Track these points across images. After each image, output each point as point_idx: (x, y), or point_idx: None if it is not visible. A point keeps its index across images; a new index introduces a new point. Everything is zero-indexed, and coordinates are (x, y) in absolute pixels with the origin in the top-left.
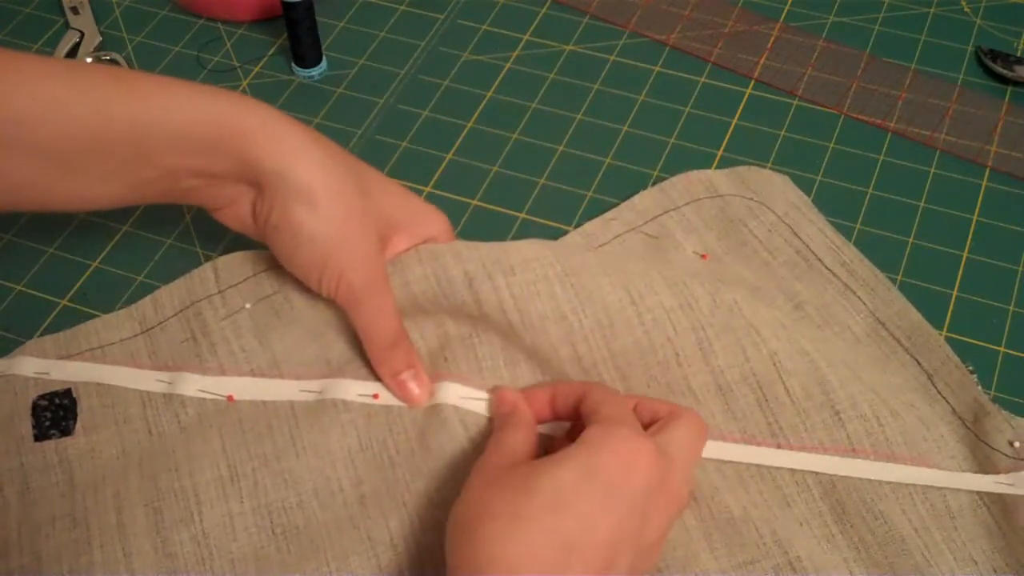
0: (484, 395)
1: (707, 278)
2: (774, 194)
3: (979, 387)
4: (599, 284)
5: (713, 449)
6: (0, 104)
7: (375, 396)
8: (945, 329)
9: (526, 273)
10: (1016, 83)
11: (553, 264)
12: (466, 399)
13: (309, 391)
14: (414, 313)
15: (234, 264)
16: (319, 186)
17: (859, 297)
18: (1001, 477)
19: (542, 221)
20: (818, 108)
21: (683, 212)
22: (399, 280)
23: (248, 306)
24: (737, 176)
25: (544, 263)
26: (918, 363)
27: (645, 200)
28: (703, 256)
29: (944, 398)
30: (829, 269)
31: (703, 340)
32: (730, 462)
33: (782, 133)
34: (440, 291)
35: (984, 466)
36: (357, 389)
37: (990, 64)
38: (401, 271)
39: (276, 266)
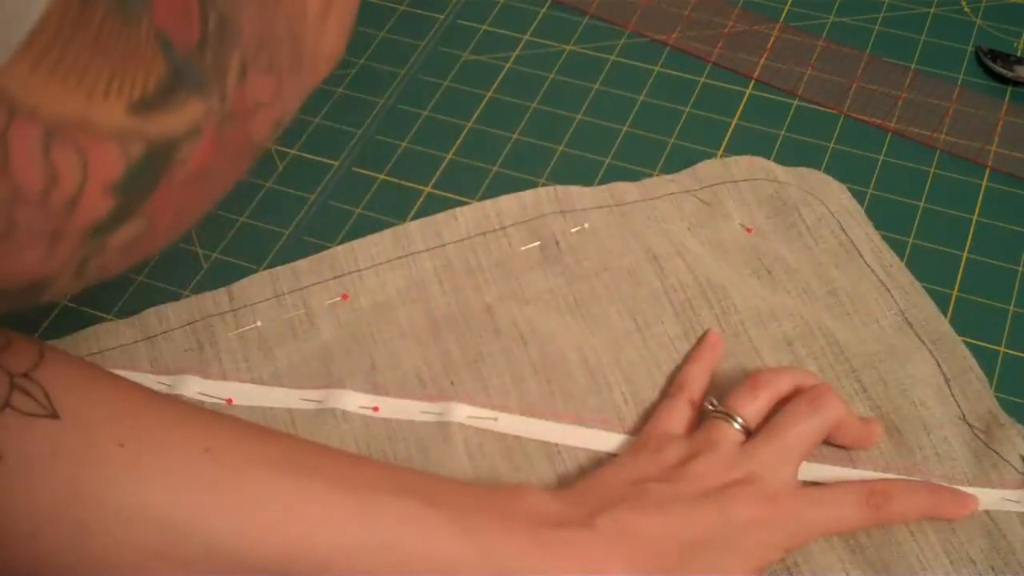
0: (492, 414)
1: (721, 294)
2: (830, 195)
3: (996, 400)
4: (607, 314)
5: None
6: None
7: (375, 409)
8: None
9: (539, 304)
10: (1016, 83)
11: (566, 295)
12: (473, 419)
13: (309, 400)
14: (427, 338)
15: (250, 287)
16: None
17: (893, 296)
18: (1008, 493)
19: None
20: (818, 108)
21: (739, 187)
22: (423, 307)
23: (259, 323)
24: (797, 173)
25: (556, 295)
26: (939, 365)
27: (706, 169)
28: (748, 229)
29: (956, 403)
30: (868, 265)
31: None
32: None
33: (782, 133)
34: (460, 316)
35: (990, 475)
36: (359, 401)
37: (990, 64)
38: (426, 299)
39: (300, 287)
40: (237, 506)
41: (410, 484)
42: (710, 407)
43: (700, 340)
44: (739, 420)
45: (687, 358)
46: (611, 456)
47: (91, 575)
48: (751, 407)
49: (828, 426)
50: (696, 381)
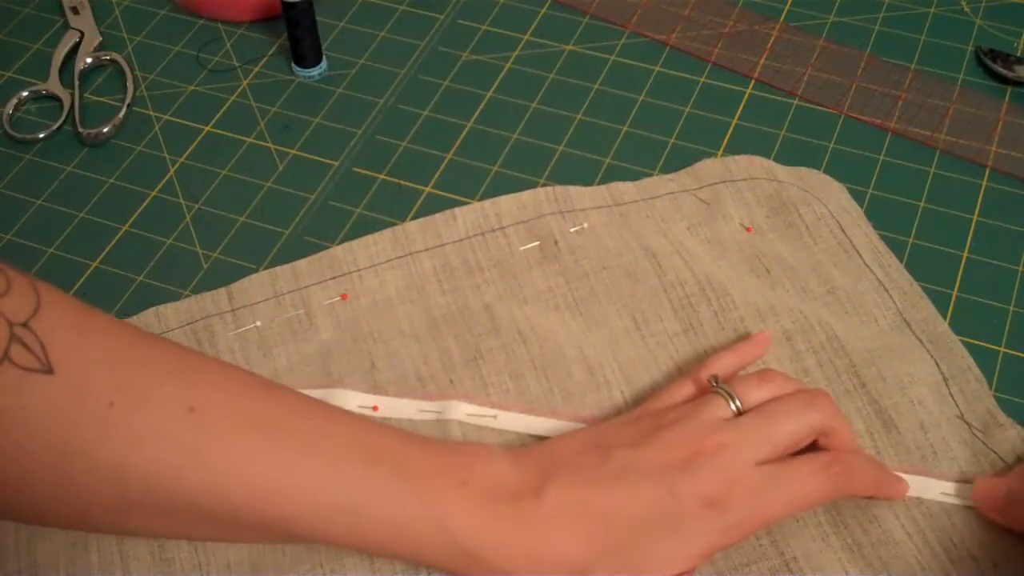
0: (491, 412)
1: (720, 291)
2: (829, 195)
3: (995, 401)
4: (606, 312)
5: None
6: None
7: (375, 408)
8: None
9: (538, 303)
10: (1016, 83)
11: (565, 295)
12: (472, 416)
13: None
14: (427, 337)
15: (249, 287)
16: None
17: (891, 296)
18: None
19: None
20: (818, 108)
21: (739, 186)
22: (422, 306)
23: (258, 323)
24: (797, 173)
25: (556, 294)
26: (937, 364)
27: (705, 168)
28: (748, 229)
29: (955, 402)
30: (867, 266)
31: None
32: None
33: (782, 133)
34: (460, 316)
35: (989, 475)
36: (358, 400)
37: (990, 64)
38: (425, 298)
39: (300, 287)
40: (213, 468)
41: (379, 448)
42: (713, 383)
43: (744, 337)
44: (737, 402)
45: (723, 348)
46: None
47: (72, 517)
48: (754, 395)
49: (816, 429)
50: (716, 366)
